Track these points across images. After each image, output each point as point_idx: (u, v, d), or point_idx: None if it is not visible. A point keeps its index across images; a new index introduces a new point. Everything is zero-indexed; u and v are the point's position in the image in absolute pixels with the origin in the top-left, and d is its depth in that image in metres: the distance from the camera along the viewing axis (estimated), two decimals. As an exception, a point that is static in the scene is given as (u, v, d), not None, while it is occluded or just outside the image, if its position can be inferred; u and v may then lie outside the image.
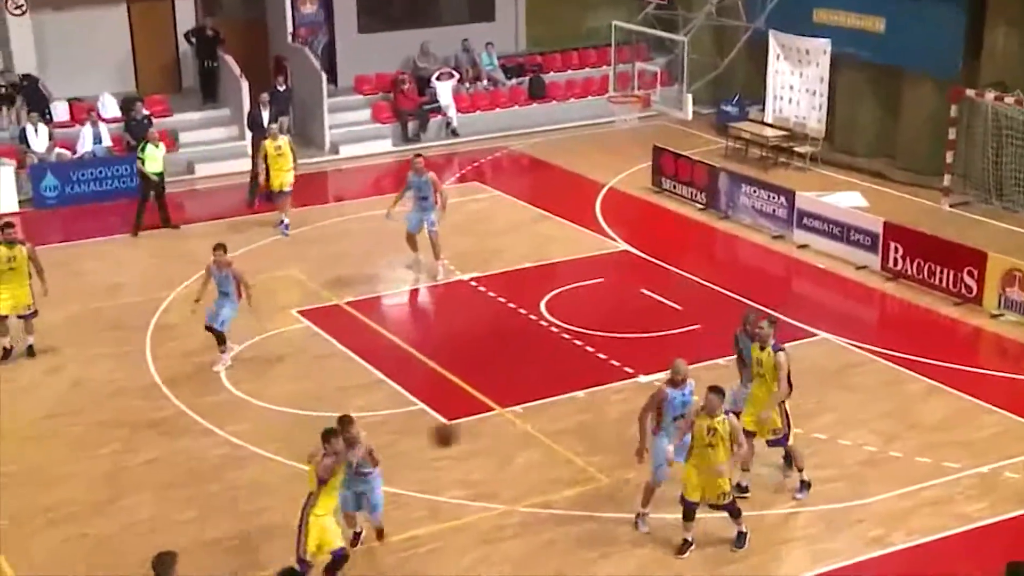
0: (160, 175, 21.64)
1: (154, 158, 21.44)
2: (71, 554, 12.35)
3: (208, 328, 16.13)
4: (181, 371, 16.11)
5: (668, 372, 12.64)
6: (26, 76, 24.22)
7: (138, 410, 15.27)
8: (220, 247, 16.21)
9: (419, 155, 19.83)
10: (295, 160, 21.66)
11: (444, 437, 12.11)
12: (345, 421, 11.60)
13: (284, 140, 21.62)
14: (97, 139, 23.69)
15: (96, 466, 13.98)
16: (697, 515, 12.29)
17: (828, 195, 22.00)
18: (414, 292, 19.46)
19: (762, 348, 12.88)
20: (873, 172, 24.30)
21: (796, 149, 25.03)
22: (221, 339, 16.18)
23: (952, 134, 22.32)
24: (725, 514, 12.32)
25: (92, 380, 16.05)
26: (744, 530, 12.36)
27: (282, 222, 21.50)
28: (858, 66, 24.89)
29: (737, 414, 12.68)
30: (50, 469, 13.96)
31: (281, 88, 24.80)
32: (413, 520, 12.85)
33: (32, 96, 24.11)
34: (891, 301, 18.90)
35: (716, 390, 11.94)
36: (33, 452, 14.32)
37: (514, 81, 28.62)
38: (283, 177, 21.36)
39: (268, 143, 21.49)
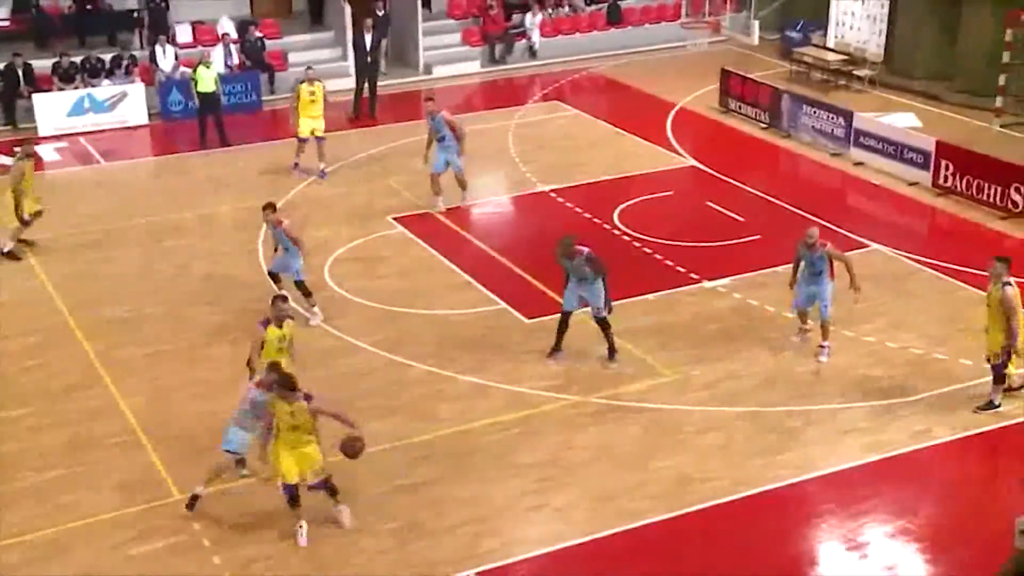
0: (209, 94, 20.94)
1: (204, 78, 20.95)
2: (201, 427, 12.59)
3: (272, 275, 15.01)
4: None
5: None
6: (152, 1, 24.28)
7: (257, 303, 15.45)
8: (268, 206, 14.57)
9: (430, 98, 18.41)
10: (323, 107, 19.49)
11: (352, 451, 10.81)
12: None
13: (318, 86, 19.50)
14: (228, 59, 23.66)
15: (224, 351, 14.24)
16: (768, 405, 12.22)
17: (884, 116, 21.39)
18: (499, 202, 19.39)
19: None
20: (929, 94, 23.53)
21: (855, 72, 24.30)
22: (306, 291, 14.76)
23: (1006, 58, 21.48)
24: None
25: (216, 275, 16.29)
26: (996, 401, 12.67)
27: (322, 171, 19.59)
28: (918, -7, 23.99)
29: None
30: (187, 352, 14.25)
31: (380, 13, 24.53)
32: (497, 408, 12.96)
33: (158, 20, 24.20)
34: (941, 215, 18.44)
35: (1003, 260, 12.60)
36: (157, 340, 14.58)
37: (593, 7, 28.08)
38: (315, 124, 19.44)
39: (303, 87, 19.32)
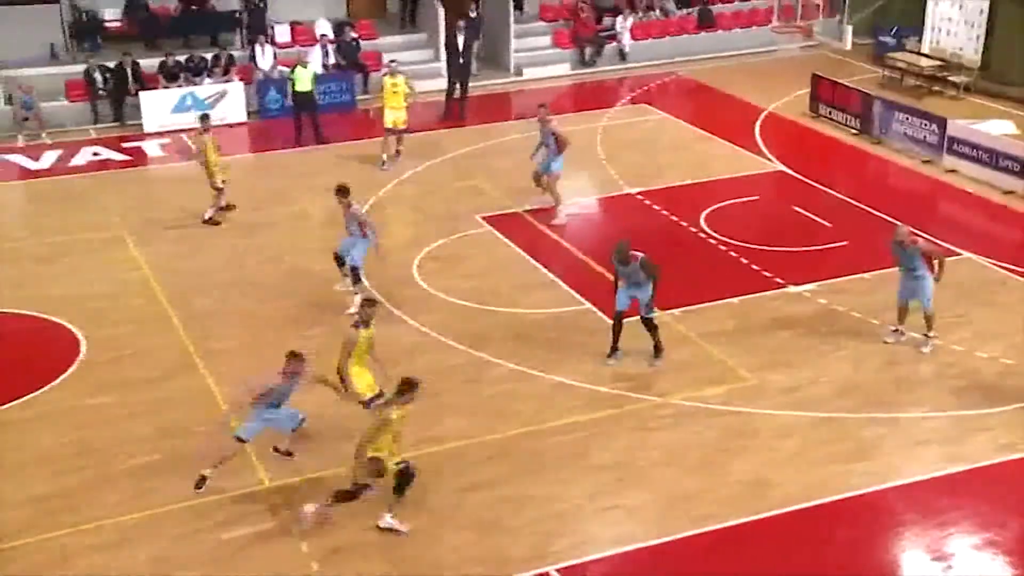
0: (306, 94, 21.44)
1: (301, 78, 21.44)
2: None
3: (336, 258, 15.43)
4: (379, 266, 16.42)
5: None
6: (250, 2, 24.74)
7: (341, 298, 15.70)
8: (340, 190, 14.95)
9: (543, 105, 18.37)
10: (410, 98, 20.16)
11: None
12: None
13: (401, 78, 20.10)
14: (326, 58, 24.07)
15: (308, 344, 14.36)
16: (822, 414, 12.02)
17: (980, 123, 20.82)
18: (585, 203, 19.35)
19: None
20: (1026, 101, 22.87)
21: (950, 78, 23.69)
22: (356, 278, 15.15)
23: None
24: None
25: (306, 270, 16.55)
26: None
27: (397, 152, 20.26)
28: (1018, -2, 23.33)
29: None
30: (276, 343, 14.28)
31: (472, 15, 24.65)
32: (576, 407, 12.96)
33: (257, 20, 24.67)
34: (1035, 225, 17.91)
35: None
36: (247, 331, 14.89)
37: (684, 11, 27.85)
38: (397, 115, 20.04)
39: (386, 79, 20.20)
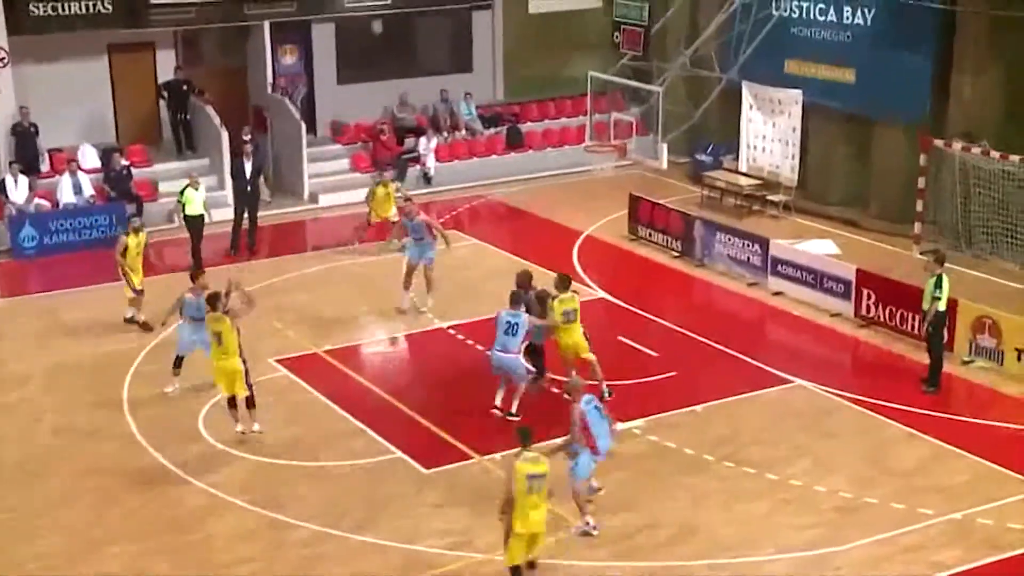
0: (197, 218, 21.80)
1: (193, 200, 21.65)
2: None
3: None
4: (158, 420, 16.01)
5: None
6: (18, 125, 24.10)
7: (116, 460, 15.17)
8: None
9: (409, 198, 21.16)
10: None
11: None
12: None
13: (392, 185, 23.29)
14: (77, 189, 23.62)
15: (75, 517, 13.87)
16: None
17: (801, 243, 22.13)
18: (392, 340, 19.42)
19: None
20: (845, 220, 24.47)
21: (769, 197, 25.20)
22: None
23: (922, 183, 22.51)
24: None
25: (72, 429, 15.95)
26: None
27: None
28: (829, 115, 25.16)
29: None
30: (29, 520, 13.83)
31: (246, 138, 24.11)
32: (391, 569, 12.79)
33: (26, 147, 23.98)
34: (864, 347, 18.98)
35: None
36: (14, 501, 14.21)
37: (492, 130, 28.77)
38: (388, 212, 22.95)
39: (379, 189, 23.00)
